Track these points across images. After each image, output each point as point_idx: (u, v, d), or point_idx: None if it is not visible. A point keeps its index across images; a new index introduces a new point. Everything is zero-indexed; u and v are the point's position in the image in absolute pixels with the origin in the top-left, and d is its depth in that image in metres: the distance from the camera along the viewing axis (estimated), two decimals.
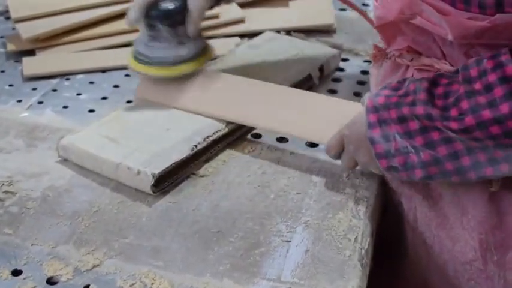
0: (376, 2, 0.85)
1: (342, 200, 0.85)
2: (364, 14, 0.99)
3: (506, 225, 0.81)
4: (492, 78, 0.68)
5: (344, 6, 1.45)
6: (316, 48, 1.18)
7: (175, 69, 0.96)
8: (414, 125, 0.74)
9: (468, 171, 0.73)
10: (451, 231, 0.85)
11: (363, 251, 0.78)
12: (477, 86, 0.69)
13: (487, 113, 0.68)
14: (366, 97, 0.81)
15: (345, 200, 0.85)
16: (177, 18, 0.94)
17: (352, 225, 0.81)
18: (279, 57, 1.13)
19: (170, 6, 0.93)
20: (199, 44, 0.99)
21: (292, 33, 1.29)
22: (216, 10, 1.25)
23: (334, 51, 1.18)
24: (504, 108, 0.67)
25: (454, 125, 0.70)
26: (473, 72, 0.70)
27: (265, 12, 1.37)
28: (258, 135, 0.99)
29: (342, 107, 0.91)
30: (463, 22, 0.72)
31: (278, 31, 1.27)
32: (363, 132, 0.79)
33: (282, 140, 0.98)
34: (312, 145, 0.96)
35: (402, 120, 0.75)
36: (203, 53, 0.99)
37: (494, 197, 0.80)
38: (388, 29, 0.85)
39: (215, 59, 1.09)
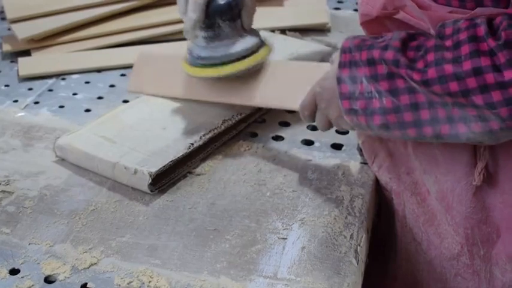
0: None
1: (337, 197, 0.85)
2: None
3: (491, 219, 0.82)
4: (463, 36, 0.67)
5: (338, 5, 1.46)
6: (310, 47, 1.19)
7: (248, 61, 0.92)
8: (382, 69, 0.72)
9: (425, 125, 0.72)
10: (438, 227, 0.86)
11: (359, 247, 0.78)
12: (447, 42, 0.68)
13: (449, 68, 0.67)
14: (335, 56, 0.81)
15: (341, 198, 0.85)
16: (235, 11, 0.92)
17: (348, 222, 0.81)
18: (274, 56, 1.13)
19: (226, 0, 0.91)
20: (256, 34, 0.96)
21: (287, 32, 1.29)
22: None
23: (329, 49, 1.18)
24: (466, 65, 0.66)
25: (416, 76, 0.69)
26: (448, 30, 0.70)
27: (260, 11, 1.36)
28: (255, 134, 0.99)
29: (312, 69, 0.90)
30: (443, 16, 0.72)
31: (273, 30, 1.27)
32: (334, 86, 0.78)
33: (277, 138, 0.98)
34: (308, 143, 0.97)
35: (371, 62, 0.73)
36: (263, 42, 0.96)
37: (479, 192, 0.81)
38: (373, 25, 0.85)
39: None
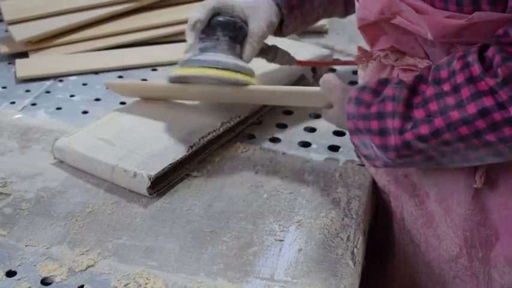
0: (358, 3, 0.86)
1: (334, 199, 0.85)
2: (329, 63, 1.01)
3: (490, 222, 0.82)
4: (460, 79, 0.68)
5: None
6: (308, 49, 1.19)
7: (236, 75, 0.90)
8: (391, 140, 0.74)
9: (445, 165, 0.76)
10: (437, 229, 0.86)
11: (355, 249, 0.78)
12: (446, 87, 0.69)
13: (455, 114, 0.68)
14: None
15: (338, 199, 0.85)
16: (237, 33, 0.91)
17: (345, 224, 0.81)
18: None
19: (234, 18, 0.91)
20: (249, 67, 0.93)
21: None
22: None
23: (326, 51, 1.19)
24: (471, 108, 0.67)
25: (423, 130, 0.70)
26: (443, 74, 0.71)
27: None
28: (252, 136, 0.99)
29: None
30: (441, 21, 0.73)
31: None
32: (344, 118, 0.80)
33: (274, 140, 0.99)
34: (305, 145, 0.97)
35: (381, 132, 0.75)
36: (253, 75, 0.93)
37: (479, 194, 0.81)
38: (371, 29, 0.85)
39: None
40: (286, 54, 1.01)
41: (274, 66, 1.11)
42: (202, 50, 0.91)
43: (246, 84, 0.90)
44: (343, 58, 1.23)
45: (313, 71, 1.12)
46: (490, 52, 0.67)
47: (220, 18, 0.91)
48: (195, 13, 0.92)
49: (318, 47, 1.22)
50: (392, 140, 0.73)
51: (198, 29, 0.92)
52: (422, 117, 0.70)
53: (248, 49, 0.93)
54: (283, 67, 1.10)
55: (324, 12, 1.03)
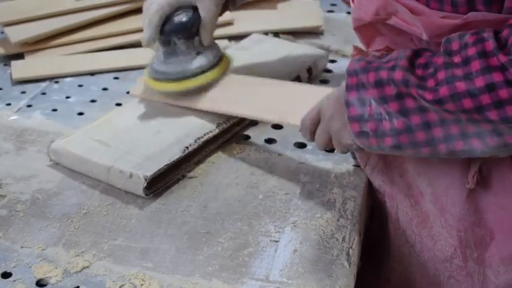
0: (353, 3, 0.86)
1: (329, 200, 0.86)
2: None
3: (484, 222, 0.82)
4: (471, 51, 0.67)
5: (332, 8, 1.46)
6: (304, 50, 1.19)
7: (201, 79, 0.96)
8: (390, 90, 0.72)
9: (439, 143, 0.72)
10: (431, 229, 0.86)
11: (351, 250, 0.78)
12: (456, 59, 0.68)
13: (461, 85, 0.66)
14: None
15: (333, 200, 0.85)
16: (191, 30, 0.94)
17: (340, 224, 0.81)
18: (267, 59, 1.14)
19: (183, 18, 0.93)
20: (215, 51, 0.99)
21: (280, 35, 1.29)
22: (230, 16, 1.28)
23: (322, 52, 1.19)
24: (479, 82, 0.65)
25: (428, 96, 0.69)
26: (455, 46, 0.69)
27: (253, 14, 1.38)
28: (247, 137, 0.99)
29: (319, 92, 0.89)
30: (436, 21, 0.73)
31: (266, 33, 1.27)
32: (341, 98, 0.78)
33: (270, 141, 0.99)
34: (300, 146, 0.97)
35: (379, 84, 0.73)
36: (222, 60, 0.99)
37: (473, 194, 0.81)
38: (366, 30, 0.85)
39: None
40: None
41: (271, 65, 1.11)
42: (165, 55, 0.96)
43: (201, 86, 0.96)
44: (339, 59, 1.23)
45: (309, 72, 1.12)
46: (505, 33, 0.66)
47: (169, 26, 0.93)
48: (144, 34, 0.94)
49: (313, 47, 1.23)
50: (393, 90, 0.72)
51: (153, 46, 0.96)
52: (431, 86, 0.69)
53: (204, 35, 0.96)
54: (280, 67, 1.11)
55: None
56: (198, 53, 0.96)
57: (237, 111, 0.95)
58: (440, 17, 0.73)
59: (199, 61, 0.96)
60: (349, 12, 1.34)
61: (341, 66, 1.21)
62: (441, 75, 0.68)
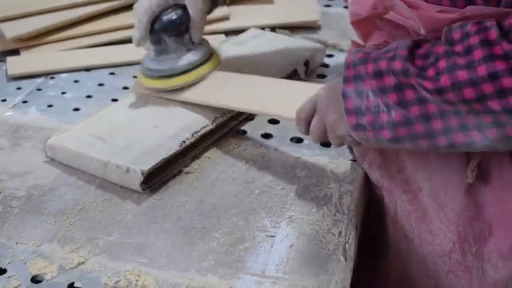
0: None
1: (326, 194, 0.85)
2: None
3: (483, 217, 0.82)
4: (474, 40, 0.66)
5: (329, 2, 1.46)
6: (301, 44, 1.19)
7: (191, 75, 0.98)
8: (389, 80, 0.71)
9: (438, 136, 0.70)
10: (430, 224, 0.86)
11: (347, 245, 0.78)
12: (458, 48, 0.67)
13: (463, 74, 0.65)
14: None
15: (329, 195, 0.85)
16: (181, 28, 0.96)
17: (336, 219, 0.81)
18: (264, 53, 1.13)
19: (172, 16, 0.95)
20: (206, 47, 1.00)
21: (277, 29, 1.29)
22: (226, 11, 1.29)
23: (319, 46, 1.18)
24: (481, 70, 0.64)
25: (428, 85, 0.67)
26: (456, 35, 0.68)
27: (250, 9, 1.38)
28: (244, 132, 0.99)
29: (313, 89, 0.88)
30: (433, 15, 0.72)
31: (263, 28, 1.27)
32: (338, 89, 0.76)
33: (266, 136, 0.98)
34: (297, 141, 0.97)
35: (378, 74, 0.72)
36: (212, 55, 1.01)
37: (472, 189, 0.81)
38: (363, 24, 0.85)
39: None
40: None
41: (268, 59, 1.11)
42: (156, 53, 0.98)
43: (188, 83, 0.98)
44: (336, 53, 1.23)
45: (306, 66, 1.12)
46: (509, 21, 0.65)
47: (159, 25, 0.95)
48: (134, 32, 0.96)
49: (311, 41, 1.22)
50: (392, 80, 0.71)
51: (144, 45, 0.97)
52: (431, 76, 0.67)
53: (194, 33, 0.97)
54: (277, 61, 1.10)
55: None
56: (188, 50, 0.98)
57: (233, 104, 0.95)
58: (438, 11, 0.72)
59: (189, 58, 0.97)
60: (346, 7, 1.35)
61: (338, 60, 1.20)
62: (442, 64, 0.67)
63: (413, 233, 0.88)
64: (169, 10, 0.95)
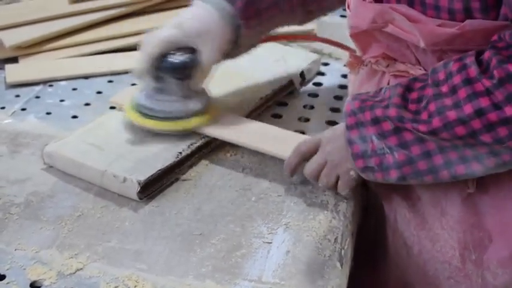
0: (349, 10, 0.87)
1: (322, 201, 0.86)
2: (345, 47, 0.99)
3: (484, 224, 0.83)
4: (457, 80, 0.70)
5: None
6: (297, 54, 1.20)
7: (186, 124, 0.93)
8: (387, 125, 0.76)
9: (441, 170, 0.75)
10: (430, 231, 0.87)
11: (343, 251, 0.79)
12: (444, 88, 0.71)
13: (452, 114, 0.70)
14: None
15: (325, 202, 0.86)
16: (187, 72, 0.91)
17: (332, 226, 0.82)
18: (260, 63, 1.14)
19: (181, 59, 0.90)
20: (204, 98, 0.96)
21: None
22: None
23: (315, 56, 1.19)
24: (468, 108, 0.69)
25: (423, 128, 0.73)
26: (441, 75, 0.73)
27: None
28: None
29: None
30: (433, 29, 0.74)
31: None
32: (341, 133, 0.81)
33: None
34: None
35: (376, 121, 0.77)
36: (209, 107, 0.96)
37: (472, 197, 0.82)
38: (362, 37, 0.86)
39: None
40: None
41: (264, 69, 1.12)
42: (154, 90, 0.93)
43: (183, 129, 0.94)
44: (332, 62, 1.24)
45: (302, 76, 1.13)
46: (487, 55, 0.69)
47: (166, 63, 0.90)
48: (138, 64, 0.91)
49: (307, 51, 1.23)
50: (389, 125, 0.75)
51: (145, 78, 0.92)
52: (425, 119, 0.73)
53: (197, 80, 0.93)
54: (273, 71, 1.11)
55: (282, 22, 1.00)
56: (188, 97, 0.93)
57: (232, 138, 0.94)
58: (437, 24, 0.74)
59: (188, 105, 0.93)
60: (342, 16, 1.36)
61: (334, 69, 1.22)
62: (432, 106, 0.72)
63: (413, 240, 0.89)
64: (181, 52, 0.90)
